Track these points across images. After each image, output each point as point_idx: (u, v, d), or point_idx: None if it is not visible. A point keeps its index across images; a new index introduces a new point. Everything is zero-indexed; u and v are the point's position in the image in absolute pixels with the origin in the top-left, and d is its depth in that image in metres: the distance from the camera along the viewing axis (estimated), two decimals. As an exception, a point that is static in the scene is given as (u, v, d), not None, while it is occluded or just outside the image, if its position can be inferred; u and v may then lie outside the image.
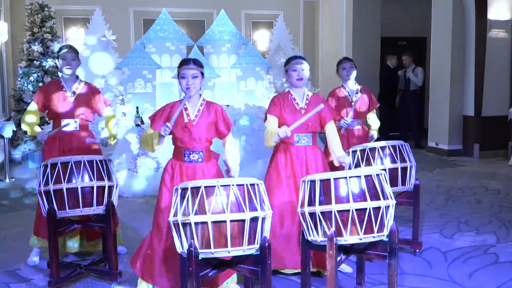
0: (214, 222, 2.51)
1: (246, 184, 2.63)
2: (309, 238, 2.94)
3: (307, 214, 2.89)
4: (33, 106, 4.07)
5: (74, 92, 4.05)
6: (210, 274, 2.73)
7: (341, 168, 4.34)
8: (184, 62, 3.22)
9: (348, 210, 2.76)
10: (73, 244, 4.10)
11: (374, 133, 4.78)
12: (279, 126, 3.57)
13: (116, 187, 3.70)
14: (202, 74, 3.23)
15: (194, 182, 2.62)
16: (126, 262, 4.01)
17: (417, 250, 4.15)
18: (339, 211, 2.77)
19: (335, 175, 2.84)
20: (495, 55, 8.48)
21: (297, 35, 11.07)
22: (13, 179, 7.20)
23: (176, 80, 3.31)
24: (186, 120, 3.21)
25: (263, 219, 2.63)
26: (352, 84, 4.71)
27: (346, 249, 3.08)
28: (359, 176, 2.82)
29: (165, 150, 4.05)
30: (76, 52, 4.06)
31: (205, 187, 2.56)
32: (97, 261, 3.92)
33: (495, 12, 8.46)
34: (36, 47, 8.23)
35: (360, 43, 10.21)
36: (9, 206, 5.91)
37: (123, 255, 4.16)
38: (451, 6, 8.52)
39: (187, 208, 2.56)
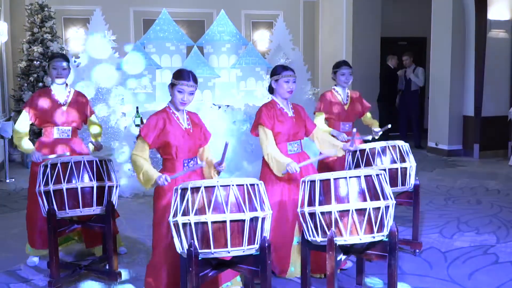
0: (214, 222, 2.51)
1: (246, 184, 2.63)
2: (309, 238, 2.95)
3: (307, 214, 2.90)
4: (24, 116, 3.98)
5: (65, 101, 4.05)
6: (210, 274, 2.73)
7: (341, 167, 4.35)
8: (184, 77, 3.16)
9: (348, 210, 2.76)
10: None
11: (377, 129, 4.68)
12: (275, 137, 3.60)
13: (117, 187, 3.70)
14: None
15: (194, 182, 2.62)
16: (126, 262, 4.01)
17: (417, 250, 4.15)
18: (339, 211, 2.77)
19: (335, 175, 2.85)
20: (495, 55, 8.48)
21: (297, 35, 11.05)
22: (13, 179, 7.20)
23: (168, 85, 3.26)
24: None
25: (263, 219, 2.64)
26: (344, 89, 4.71)
27: (346, 249, 3.08)
28: (359, 177, 2.83)
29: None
30: (67, 60, 4.05)
31: (205, 187, 2.56)
32: (97, 261, 3.93)
33: (495, 12, 8.46)
34: (36, 47, 8.23)
35: (360, 43, 10.20)
36: (9, 206, 5.91)
37: (123, 255, 4.17)
38: (451, 6, 8.52)
39: (187, 208, 2.56)
